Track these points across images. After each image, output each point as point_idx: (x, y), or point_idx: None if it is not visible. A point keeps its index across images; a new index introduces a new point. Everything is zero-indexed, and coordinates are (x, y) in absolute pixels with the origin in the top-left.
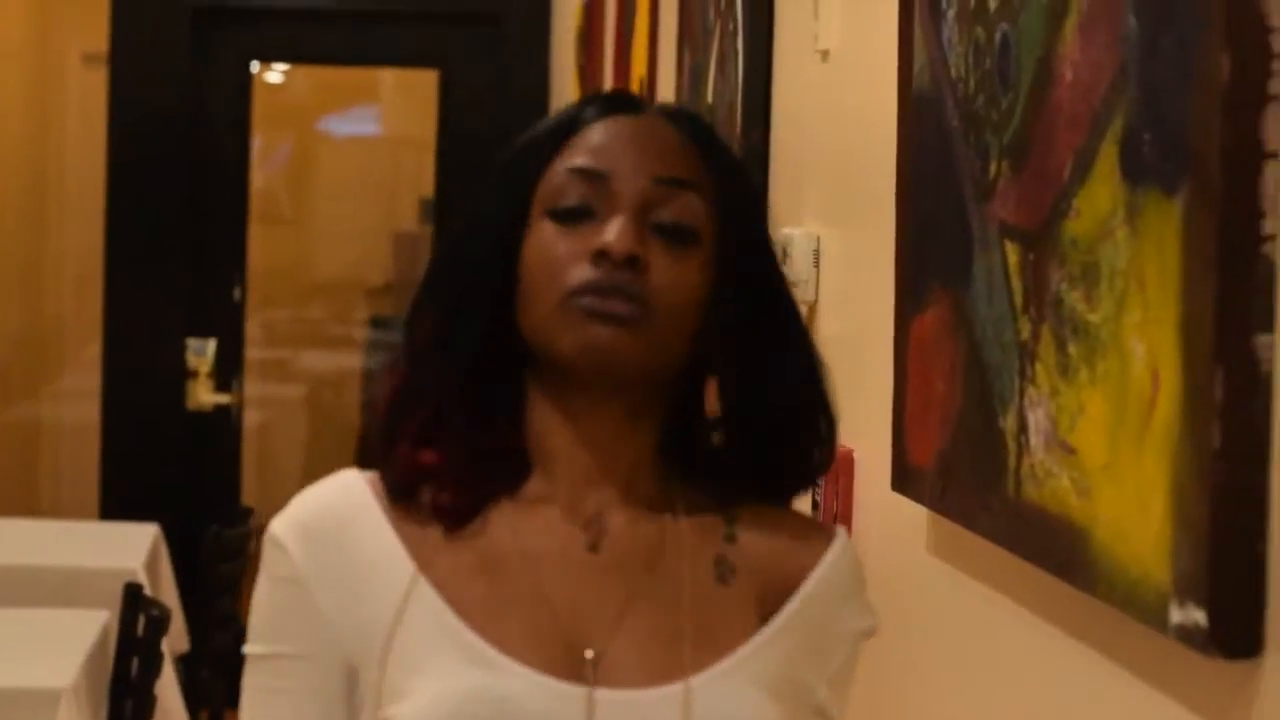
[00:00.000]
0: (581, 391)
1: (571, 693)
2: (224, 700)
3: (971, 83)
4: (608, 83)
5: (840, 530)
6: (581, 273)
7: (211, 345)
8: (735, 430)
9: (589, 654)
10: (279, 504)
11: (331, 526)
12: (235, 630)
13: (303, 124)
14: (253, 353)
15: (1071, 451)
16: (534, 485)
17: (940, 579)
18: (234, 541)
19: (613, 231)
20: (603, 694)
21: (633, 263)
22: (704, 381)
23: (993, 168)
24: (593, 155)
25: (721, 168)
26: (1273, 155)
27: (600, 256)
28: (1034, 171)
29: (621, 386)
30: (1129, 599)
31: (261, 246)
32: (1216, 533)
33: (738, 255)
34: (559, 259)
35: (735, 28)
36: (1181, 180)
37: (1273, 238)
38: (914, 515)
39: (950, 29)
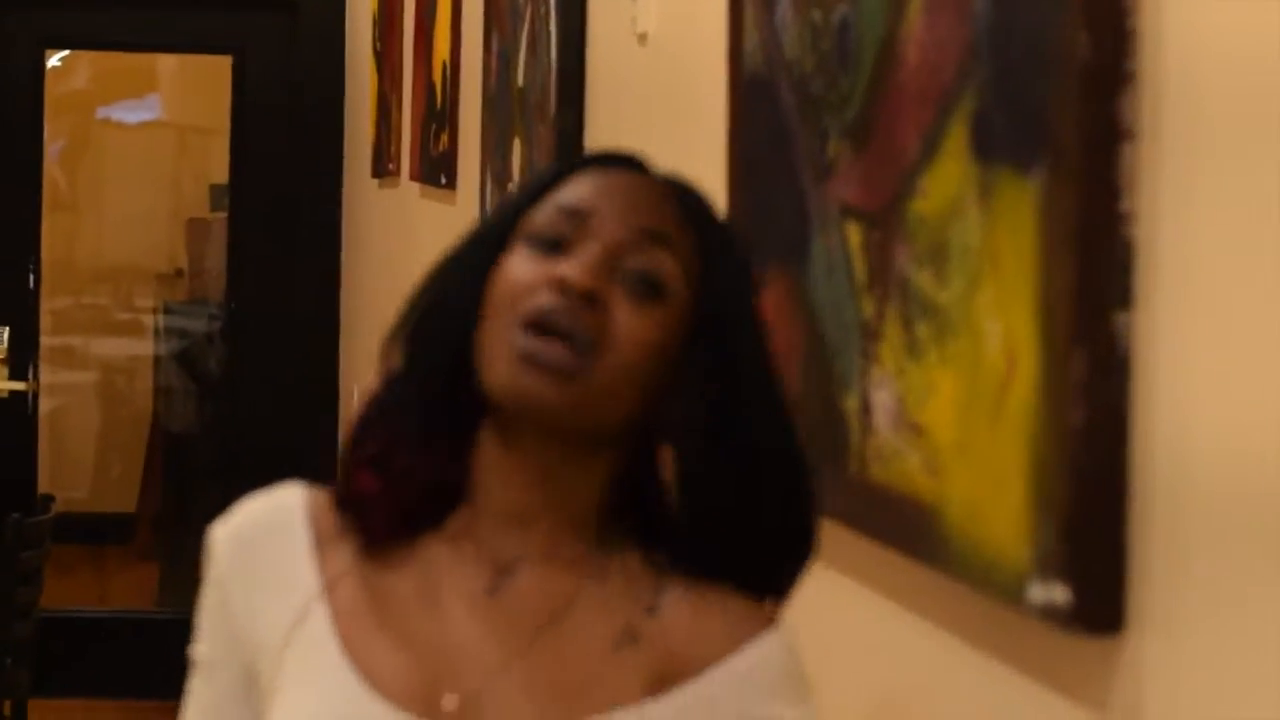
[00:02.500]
0: (520, 432)
1: None
2: (27, 690)
3: (809, 64)
4: (408, 68)
5: (781, 624)
6: (538, 298)
7: (5, 332)
8: (685, 503)
9: (449, 701)
10: (76, 491)
11: (258, 534)
12: (36, 620)
13: (88, 110)
14: (43, 340)
15: (920, 431)
16: (459, 518)
17: None
18: (34, 530)
19: (577, 262)
20: None
21: (590, 298)
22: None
23: (832, 149)
24: (580, 196)
25: (708, 238)
26: (1130, 134)
27: (560, 284)
28: (877, 152)
29: (552, 434)
30: (984, 577)
31: (48, 233)
32: (1079, 509)
33: (712, 326)
34: (521, 282)
35: (547, 10)
36: (1037, 159)
37: (1131, 216)
38: None
39: (784, 11)
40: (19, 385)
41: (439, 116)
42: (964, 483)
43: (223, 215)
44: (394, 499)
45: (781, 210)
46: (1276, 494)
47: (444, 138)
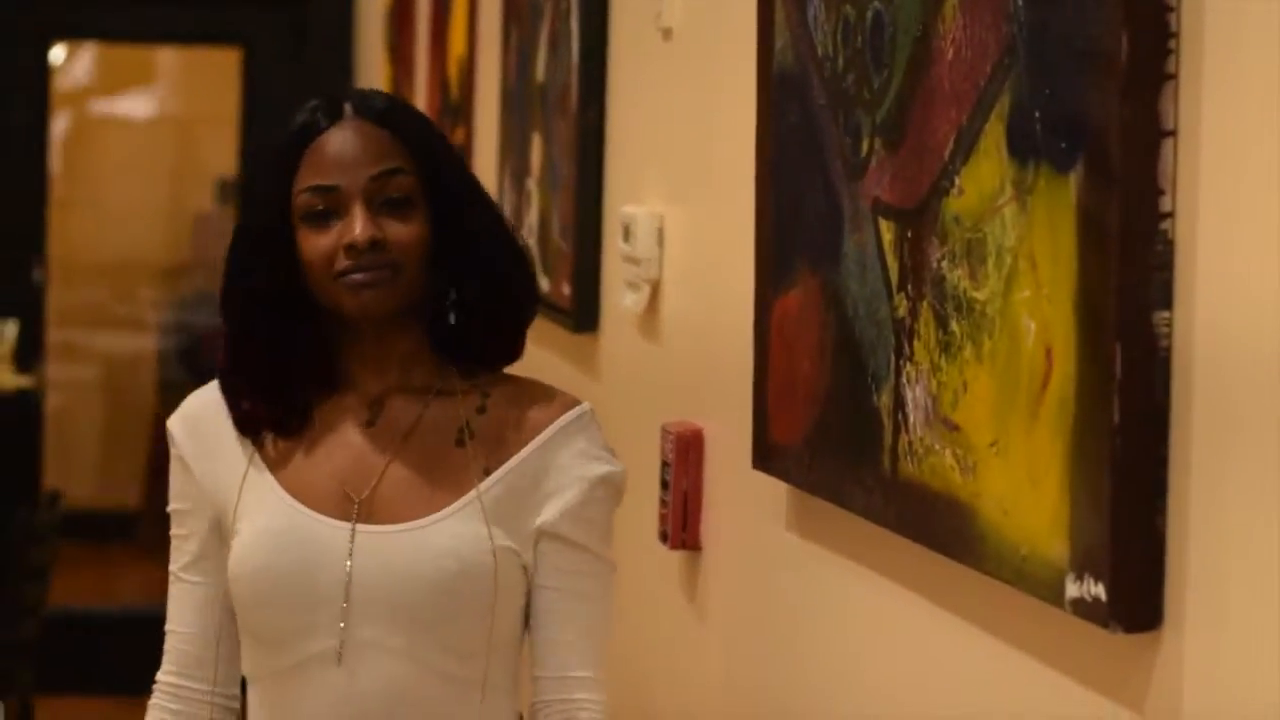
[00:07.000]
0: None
1: (342, 527)
2: (33, 687)
3: (840, 61)
4: (422, 63)
5: (583, 404)
6: (341, 263)
7: (12, 327)
8: (467, 304)
9: (355, 503)
10: (83, 488)
11: (202, 422)
12: (42, 617)
13: (91, 105)
14: (49, 335)
15: (955, 428)
16: (342, 382)
17: (803, 556)
18: (43, 528)
19: (355, 227)
20: (362, 528)
21: (375, 245)
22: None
23: (865, 146)
24: (322, 173)
25: (415, 142)
26: (1171, 133)
27: (351, 248)
28: (911, 149)
29: (386, 317)
30: (1019, 574)
31: (54, 228)
32: (1117, 506)
33: (445, 198)
34: (323, 255)
35: (569, 7)
36: (1076, 158)
37: (1171, 215)
38: (773, 493)
39: (816, 8)
40: (25, 381)
41: (454, 111)
42: (999, 479)
43: (229, 209)
44: (282, 402)
45: (812, 208)
46: None
47: (460, 133)
